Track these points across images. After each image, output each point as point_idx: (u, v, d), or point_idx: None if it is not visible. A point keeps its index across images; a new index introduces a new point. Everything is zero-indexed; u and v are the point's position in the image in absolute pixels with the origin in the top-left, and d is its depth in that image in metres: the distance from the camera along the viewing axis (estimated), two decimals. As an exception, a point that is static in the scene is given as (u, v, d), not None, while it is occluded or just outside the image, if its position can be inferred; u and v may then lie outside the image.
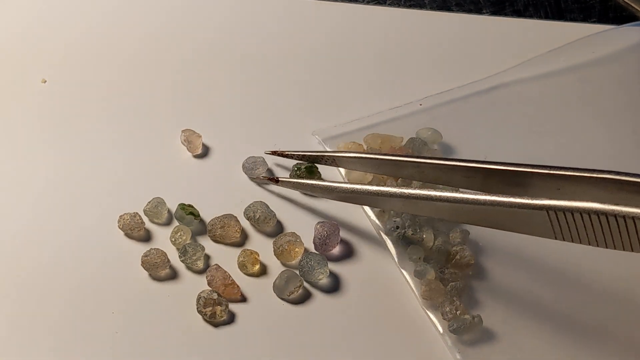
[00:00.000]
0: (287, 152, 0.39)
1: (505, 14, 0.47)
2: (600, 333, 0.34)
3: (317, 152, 0.38)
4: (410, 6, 0.48)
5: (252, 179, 0.39)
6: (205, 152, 0.41)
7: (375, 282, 0.36)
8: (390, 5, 0.48)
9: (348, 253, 0.37)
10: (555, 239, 0.29)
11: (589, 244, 0.29)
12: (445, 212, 0.32)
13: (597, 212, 0.27)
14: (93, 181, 0.40)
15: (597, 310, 0.34)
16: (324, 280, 0.36)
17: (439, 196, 0.32)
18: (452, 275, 0.35)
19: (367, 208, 0.38)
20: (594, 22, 0.47)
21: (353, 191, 0.35)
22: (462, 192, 0.31)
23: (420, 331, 0.34)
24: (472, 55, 0.45)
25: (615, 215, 0.27)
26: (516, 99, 0.42)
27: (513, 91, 0.42)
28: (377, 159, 0.36)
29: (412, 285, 0.35)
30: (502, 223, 0.31)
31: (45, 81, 0.44)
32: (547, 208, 0.28)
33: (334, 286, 0.36)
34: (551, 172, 0.30)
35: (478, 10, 0.48)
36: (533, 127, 0.41)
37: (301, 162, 0.39)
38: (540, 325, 0.34)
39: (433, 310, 0.34)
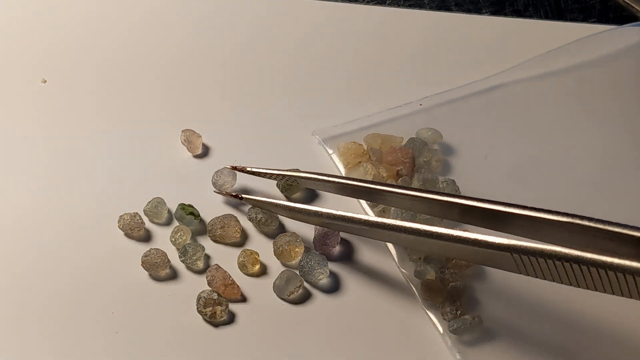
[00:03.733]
0: (247, 169, 0.38)
1: (505, 14, 0.47)
2: (600, 333, 0.34)
3: (278, 170, 0.37)
4: (409, 6, 0.48)
5: (216, 192, 0.39)
6: (205, 152, 0.41)
7: (375, 282, 0.36)
8: (390, 5, 0.48)
9: (348, 253, 0.37)
10: (520, 274, 0.30)
11: (554, 282, 0.29)
12: (411, 243, 0.34)
13: (561, 257, 0.28)
14: (93, 181, 0.39)
15: (597, 310, 0.34)
16: (324, 280, 0.36)
17: (404, 227, 0.32)
18: (452, 276, 0.35)
19: (367, 208, 0.38)
20: (594, 22, 0.47)
21: (316, 213, 0.35)
22: (429, 225, 0.32)
23: (420, 331, 0.34)
24: (472, 55, 0.45)
25: (578, 261, 0.27)
26: (516, 99, 0.42)
27: (513, 91, 0.42)
28: (339, 182, 0.35)
29: (412, 286, 0.35)
30: (469, 257, 0.32)
31: (45, 81, 0.44)
32: (512, 250, 0.29)
33: (334, 286, 0.36)
34: (524, 212, 0.30)
35: (478, 10, 0.48)
36: (533, 127, 0.41)
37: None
38: (540, 326, 0.34)
39: (433, 310, 0.35)
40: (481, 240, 0.30)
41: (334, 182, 0.35)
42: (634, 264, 0.26)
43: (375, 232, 0.34)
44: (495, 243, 0.29)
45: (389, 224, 0.33)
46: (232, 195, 0.38)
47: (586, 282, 0.28)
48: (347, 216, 0.34)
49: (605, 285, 0.28)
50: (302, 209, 0.36)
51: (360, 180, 0.35)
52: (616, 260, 0.27)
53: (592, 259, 0.27)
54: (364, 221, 0.33)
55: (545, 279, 0.29)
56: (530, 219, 0.30)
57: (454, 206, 0.32)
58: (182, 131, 0.41)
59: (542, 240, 0.29)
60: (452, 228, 0.31)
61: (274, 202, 0.37)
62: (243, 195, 0.38)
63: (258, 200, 0.37)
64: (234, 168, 0.39)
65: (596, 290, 0.28)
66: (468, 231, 0.30)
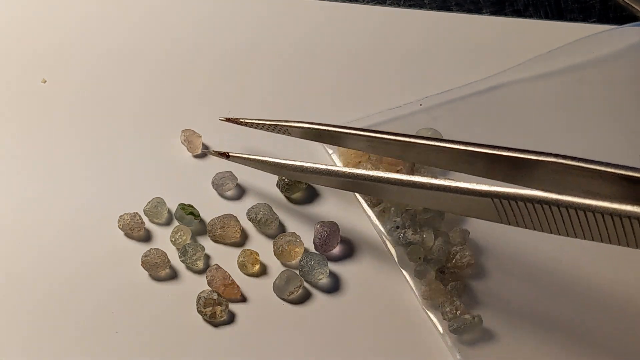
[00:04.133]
0: (241, 120, 0.39)
1: (505, 14, 0.47)
2: (600, 333, 0.34)
3: (270, 120, 0.38)
4: (410, 6, 0.48)
5: (206, 152, 0.40)
6: (205, 152, 0.41)
7: (375, 282, 0.36)
8: (390, 5, 0.48)
9: (348, 253, 0.37)
10: (501, 222, 0.30)
11: (534, 229, 0.29)
12: (394, 195, 0.33)
13: (540, 201, 0.28)
14: (93, 181, 0.40)
15: (596, 310, 0.34)
16: (324, 280, 0.36)
17: (384, 178, 0.32)
18: (452, 275, 0.35)
19: (367, 208, 0.38)
20: (594, 22, 0.47)
21: (302, 169, 0.35)
22: (409, 176, 0.32)
23: (420, 331, 0.34)
24: (472, 55, 0.45)
25: (558, 204, 0.27)
26: (516, 99, 0.42)
27: (513, 91, 0.42)
28: (334, 131, 0.35)
29: (412, 285, 0.35)
30: (450, 207, 0.32)
31: (45, 81, 0.44)
32: (492, 195, 0.29)
33: (334, 286, 0.36)
34: (508, 154, 0.30)
35: (478, 10, 0.48)
36: (533, 127, 0.41)
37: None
38: (540, 325, 0.34)
39: (433, 310, 0.35)
40: (462, 187, 0.30)
41: (328, 130, 0.35)
42: (612, 205, 0.26)
43: (357, 185, 0.34)
44: (476, 190, 0.29)
45: (369, 176, 0.33)
46: (219, 154, 0.38)
47: (566, 227, 0.28)
48: (331, 170, 0.34)
49: (585, 230, 0.28)
50: (287, 164, 0.36)
51: (360, 129, 0.35)
52: (594, 202, 0.27)
53: (571, 201, 0.27)
54: (347, 174, 0.34)
55: (526, 227, 0.29)
56: (515, 160, 0.30)
57: (440, 150, 0.32)
58: (182, 131, 0.41)
59: (527, 185, 0.29)
60: (434, 177, 0.31)
61: (260, 159, 0.37)
62: (230, 154, 0.38)
63: (245, 158, 0.38)
64: (228, 119, 0.39)
65: (576, 236, 0.28)
66: (449, 179, 0.30)
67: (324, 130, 0.36)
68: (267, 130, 0.38)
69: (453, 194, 0.30)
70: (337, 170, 0.34)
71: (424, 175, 0.32)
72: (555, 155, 0.29)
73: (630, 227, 0.26)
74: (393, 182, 0.32)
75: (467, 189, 0.30)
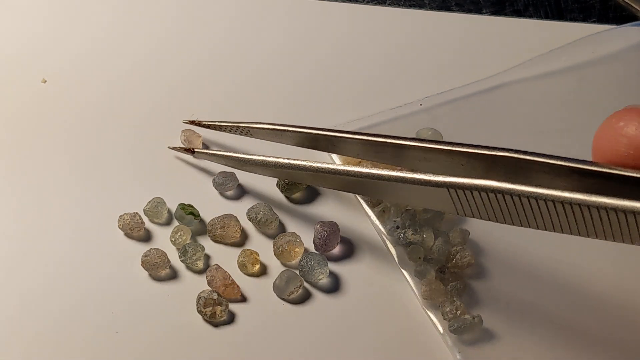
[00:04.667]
0: (204, 122, 0.40)
1: (505, 14, 0.47)
2: (600, 333, 0.34)
3: (232, 122, 0.38)
4: (410, 6, 0.48)
5: (170, 147, 0.40)
6: (171, 148, 0.41)
7: (376, 282, 0.36)
8: (390, 5, 0.48)
9: (348, 253, 0.37)
10: (457, 214, 0.30)
11: (489, 220, 0.29)
12: (352, 186, 0.34)
13: (494, 190, 0.28)
14: (93, 181, 0.40)
15: (597, 310, 0.34)
16: (324, 280, 0.36)
17: (346, 171, 0.33)
18: (452, 275, 0.35)
19: (367, 209, 0.38)
20: (593, 22, 0.47)
21: (264, 163, 0.36)
22: (372, 168, 0.32)
23: (421, 331, 0.34)
24: (472, 55, 0.45)
25: (511, 193, 0.28)
26: (516, 99, 0.42)
27: (513, 91, 0.42)
28: (298, 131, 0.36)
29: (413, 285, 0.35)
30: (408, 198, 0.33)
31: (45, 81, 0.44)
32: (448, 185, 0.29)
33: (334, 286, 0.36)
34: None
35: (478, 10, 0.48)
36: (533, 126, 0.41)
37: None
38: (540, 325, 0.34)
39: (433, 310, 0.34)
40: (418, 178, 0.30)
41: (291, 131, 0.36)
42: (563, 193, 0.27)
43: (320, 178, 0.35)
44: (432, 180, 0.30)
45: (332, 169, 0.34)
46: (185, 150, 0.40)
47: (519, 216, 0.28)
48: (293, 164, 0.35)
49: (538, 220, 0.28)
50: (250, 159, 0.37)
51: (319, 129, 0.35)
52: (546, 191, 0.27)
53: (524, 190, 0.28)
54: (308, 167, 0.34)
55: (481, 218, 0.30)
56: (509, 160, 0.30)
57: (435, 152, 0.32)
58: (182, 131, 0.41)
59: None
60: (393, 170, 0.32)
61: (225, 155, 0.38)
62: (196, 150, 0.39)
63: (211, 154, 0.39)
64: (191, 122, 0.40)
65: (529, 226, 0.29)
66: (405, 171, 0.31)
67: (284, 130, 0.36)
68: (230, 132, 0.39)
69: (410, 185, 0.31)
70: (299, 164, 0.35)
71: (380, 167, 0.33)
72: (508, 150, 0.30)
73: (580, 214, 0.27)
74: (352, 174, 0.33)
75: (423, 179, 0.30)
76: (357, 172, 0.33)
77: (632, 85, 0.43)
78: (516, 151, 0.29)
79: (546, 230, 0.29)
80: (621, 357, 0.33)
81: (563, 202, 0.27)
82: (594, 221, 0.27)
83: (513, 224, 0.29)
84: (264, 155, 0.37)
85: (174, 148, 0.40)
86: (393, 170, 0.31)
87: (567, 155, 0.40)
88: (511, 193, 0.28)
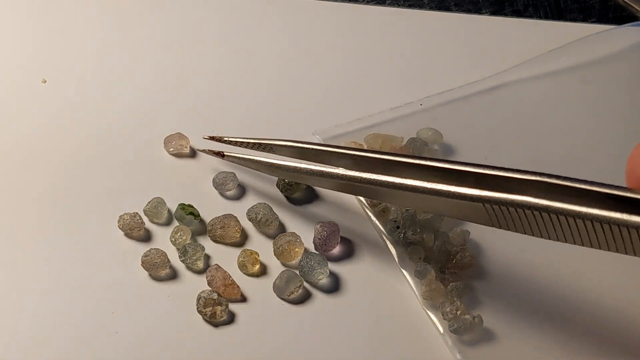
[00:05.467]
0: (225, 138, 0.39)
1: (505, 14, 0.47)
2: (601, 334, 0.34)
3: (253, 139, 0.38)
4: (409, 6, 0.48)
5: (199, 150, 0.40)
6: (199, 151, 0.41)
7: (376, 282, 0.36)
8: (390, 5, 0.48)
9: (348, 253, 0.37)
10: (492, 226, 0.31)
11: (525, 234, 0.30)
12: (386, 197, 0.34)
13: (530, 207, 0.29)
14: (93, 181, 0.39)
15: (597, 311, 0.34)
16: (324, 280, 0.36)
17: (378, 180, 0.33)
18: (452, 276, 0.35)
19: (367, 209, 0.38)
20: (594, 22, 0.47)
21: (296, 169, 0.36)
22: (403, 178, 0.32)
23: (421, 331, 0.34)
24: (472, 55, 0.45)
25: (547, 210, 0.28)
26: (517, 98, 0.42)
27: (514, 91, 0.42)
28: (315, 149, 0.36)
29: (413, 286, 0.35)
30: (443, 210, 0.33)
31: (45, 81, 0.44)
32: (484, 200, 0.30)
33: (334, 286, 0.36)
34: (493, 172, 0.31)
35: (477, 10, 0.48)
36: (534, 126, 0.41)
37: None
38: (540, 326, 0.34)
39: (433, 310, 0.34)
40: (455, 192, 0.30)
41: (312, 149, 0.36)
42: (601, 212, 0.27)
43: (350, 187, 0.34)
44: (467, 194, 0.30)
45: (362, 178, 0.33)
46: (215, 153, 0.39)
47: (556, 232, 0.29)
48: (324, 171, 0.35)
49: (575, 235, 0.28)
50: (282, 165, 0.36)
51: (339, 148, 0.35)
52: (583, 209, 0.28)
53: (561, 207, 0.28)
54: (340, 175, 0.34)
55: (517, 231, 0.30)
56: (501, 179, 0.30)
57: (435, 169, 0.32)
58: (167, 137, 0.40)
59: None
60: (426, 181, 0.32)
61: (256, 159, 0.38)
62: (225, 152, 0.39)
63: (240, 158, 0.38)
64: (212, 138, 0.39)
65: (566, 241, 0.29)
66: (442, 184, 0.31)
67: (308, 148, 0.36)
68: (251, 148, 0.38)
69: (445, 198, 0.31)
70: (331, 172, 0.35)
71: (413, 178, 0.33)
72: (541, 175, 0.29)
73: (619, 233, 0.27)
74: (386, 184, 0.33)
75: (459, 193, 0.30)
76: (389, 182, 0.33)
77: (633, 85, 0.43)
78: (549, 175, 0.29)
79: (583, 246, 0.29)
80: (622, 357, 0.33)
81: (602, 221, 0.27)
82: (632, 240, 0.27)
83: (550, 239, 0.29)
84: (296, 161, 0.36)
85: (202, 150, 0.40)
86: (430, 183, 0.31)
87: (568, 155, 0.40)
88: (548, 210, 0.28)
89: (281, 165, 0.36)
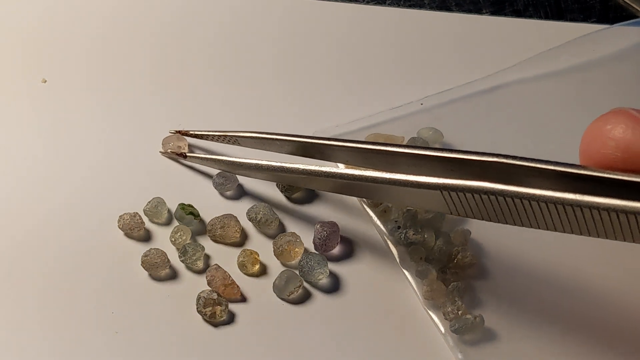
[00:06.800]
0: (190, 132, 0.40)
1: (505, 14, 0.47)
2: (602, 334, 0.34)
3: (219, 131, 0.39)
4: (409, 6, 0.48)
5: (162, 153, 0.40)
6: (161, 153, 0.41)
7: (376, 282, 0.36)
8: (390, 5, 0.48)
9: (348, 253, 0.37)
10: (451, 213, 0.31)
11: (482, 219, 0.30)
12: (345, 189, 0.35)
13: (486, 191, 0.29)
14: (93, 181, 0.39)
15: (598, 310, 0.34)
16: (324, 280, 0.36)
17: (338, 174, 0.34)
18: (453, 276, 0.35)
19: (368, 209, 0.38)
20: (594, 22, 0.47)
21: (257, 167, 0.36)
22: (363, 170, 0.33)
23: (422, 331, 0.34)
24: (472, 55, 0.45)
25: (503, 194, 0.28)
26: (517, 98, 0.42)
27: (514, 90, 0.42)
28: (286, 140, 0.36)
29: (414, 286, 0.35)
30: (402, 200, 0.34)
31: (45, 81, 0.44)
32: (440, 187, 0.30)
33: (334, 286, 0.36)
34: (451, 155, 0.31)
35: (478, 10, 0.48)
36: (534, 126, 0.41)
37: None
38: (542, 326, 0.34)
39: (435, 310, 0.34)
40: (411, 180, 0.31)
41: (278, 139, 0.36)
42: (555, 194, 0.27)
43: (314, 181, 0.35)
44: (424, 182, 0.30)
45: (324, 172, 0.34)
46: (177, 154, 0.39)
47: (512, 216, 0.29)
48: (286, 167, 0.35)
49: (531, 219, 0.29)
50: (243, 163, 0.37)
51: (307, 137, 0.36)
52: (538, 191, 0.28)
53: (516, 191, 0.28)
54: (301, 170, 0.35)
55: (474, 217, 0.30)
56: (464, 162, 0.31)
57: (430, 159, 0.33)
58: (165, 138, 0.40)
59: None
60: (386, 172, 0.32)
61: (216, 158, 0.38)
62: (187, 154, 0.39)
63: (203, 158, 0.39)
64: (177, 132, 0.40)
65: (522, 225, 0.29)
66: (398, 173, 0.31)
67: (273, 139, 0.36)
68: (217, 141, 0.39)
69: (403, 187, 0.31)
70: (295, 168, 0.35)
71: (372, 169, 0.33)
72: (497, 155, 0.30)
73: (573, 214, 0.27)
74: (344, 177, 0.33)
75: (415, 182, 0.31)
76: (349, 174, 0.33)
77: (632, 85, 0.43)
78: (506, 156, 0.30)
79: (539, 229, 0.29)
80: (623, 357, 0.33)
81: (555, 202, 0.27)
82: (586, 220, 0.27)
83: (506, 223, 0.30)
84: (257, 159, 0.37)
85: (164, 153, 0.40)
86: (386, 172, 0.32)
87: (569, 155, 0.40)
88: (504, 194, 0.28)
89: (242, 163, 0.37)
